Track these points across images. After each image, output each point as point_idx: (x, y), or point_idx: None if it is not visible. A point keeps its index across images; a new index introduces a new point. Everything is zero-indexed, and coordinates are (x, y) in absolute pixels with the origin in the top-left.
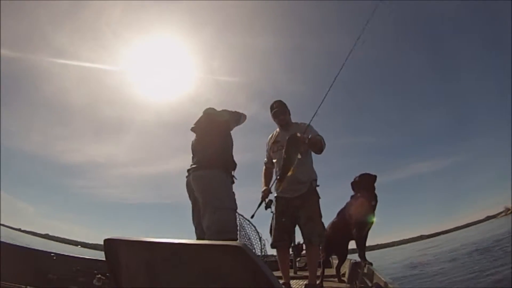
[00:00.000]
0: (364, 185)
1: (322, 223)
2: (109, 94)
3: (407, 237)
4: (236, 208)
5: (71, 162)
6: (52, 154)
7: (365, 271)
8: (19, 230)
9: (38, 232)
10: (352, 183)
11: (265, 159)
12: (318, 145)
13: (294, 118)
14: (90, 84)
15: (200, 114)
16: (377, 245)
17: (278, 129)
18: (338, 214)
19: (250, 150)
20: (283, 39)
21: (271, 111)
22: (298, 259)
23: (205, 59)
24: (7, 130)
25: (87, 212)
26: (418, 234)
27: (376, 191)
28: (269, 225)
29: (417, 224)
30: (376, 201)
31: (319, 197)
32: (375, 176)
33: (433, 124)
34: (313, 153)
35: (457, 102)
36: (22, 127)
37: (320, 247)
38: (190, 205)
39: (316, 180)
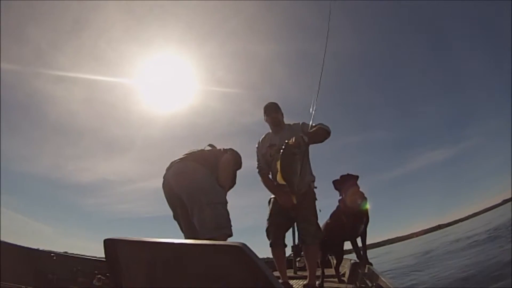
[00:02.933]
0: (345, 184)
1: (317, 224)
2: (114, 111)
3: (425, 228)
4: (226, 202)
5: (83, 181)
6: (64, 175)
7: (366, 271)
8: (37, 250)
9: (57, 251)
10: (333, 182)
11: (258, 164)
12: (321, 135)
13: (303, 119)
14: (94, 104)
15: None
16: (397, 237)
17: (270, 131)
18: (331, 216)
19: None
20: (286, 44)
21: (264, 113)
22: (298, 259)
23: (209, 71)
24: (20, 155)
25: (102, 229)
26: (436, 224)
27: (361, 190)
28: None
29: (435, 214)
30: (365, 199)
31: (315, 199)
32: (357, 176)
33: (441, 110)
34: (310, 153)
35: (464, 83)
36: (33, 152)
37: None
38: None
39: (313, 181)
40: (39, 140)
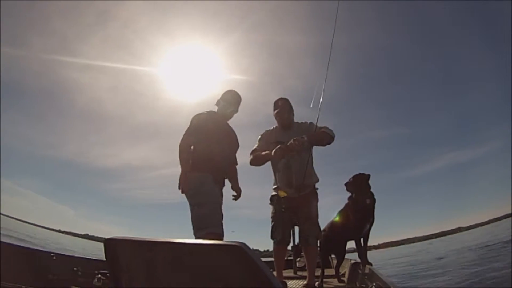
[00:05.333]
0: (358, 185)
1: (319, 225)
2: (141, 99)
3: (445, 229)
4: (216, 200)
5: (107, 166)
6: (88, 160)
7: (366, 271)
8: (59, 231)
9: (78, 232)
10: (345, 184)
11: (256, 147)
12: (323, 139)
13: (328, 114)
14: (121, 92)
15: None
16: (416, 237)
17: (277, 126)
18: (339, 213)
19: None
20: (312, 36)
21: (274, 109)
22: (298, 259)
23: (236, 60)
24: (46, 141)
25: (125, 213)
26: (456, 226)
27: (371, 190)
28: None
29: (455, 216)
30: (374, 200)
31: (317, 200)
32: (368, 175)
33: (468, 109)
34: (314, 155)
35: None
36: (59, 138)
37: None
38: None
39: (317, 182)
40: (65, 126)
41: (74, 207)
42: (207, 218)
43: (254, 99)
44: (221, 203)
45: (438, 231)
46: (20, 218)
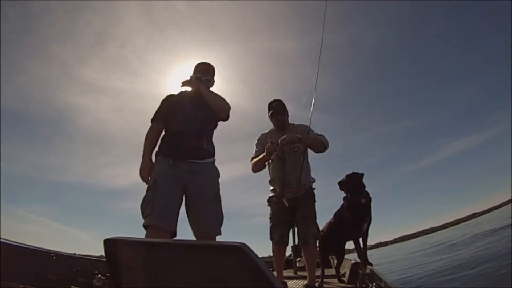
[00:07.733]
0: (351, 185)
1: (317, 224)
2: (143, 117)
3: (460, 217)
4: (149, 187)
5: (117, 186)
6: (98, 182)
7: (366, 271)
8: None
9: (93, 255)
10: (338, 183)
11: (253, 154)
12: (317, 146)
13: (331, 114)
14: (124, 112)
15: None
16: (431, 228)
17: (273, 128)
18: (335, 215)
19: None
20: (307, 38)
21: (268, 111)
22: (298, 259)
23: (236, 71)
24: (54, 166)
25: (140, 231)
26: (471, 213)
27: (366, 189)
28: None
29: (470, 202)
30: (369, 199)
31: (315, 201)
32: (362, 174)
33: (469, 95)
34: (310, 159)
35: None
36: (66, 162)
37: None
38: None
39: (313, 182)
40: (72, 150)
41: (87, 230)
42: (143, 204)
43: (257, 108)
44: (165, 189)
45: (453, 219)
46: (37, 246)
